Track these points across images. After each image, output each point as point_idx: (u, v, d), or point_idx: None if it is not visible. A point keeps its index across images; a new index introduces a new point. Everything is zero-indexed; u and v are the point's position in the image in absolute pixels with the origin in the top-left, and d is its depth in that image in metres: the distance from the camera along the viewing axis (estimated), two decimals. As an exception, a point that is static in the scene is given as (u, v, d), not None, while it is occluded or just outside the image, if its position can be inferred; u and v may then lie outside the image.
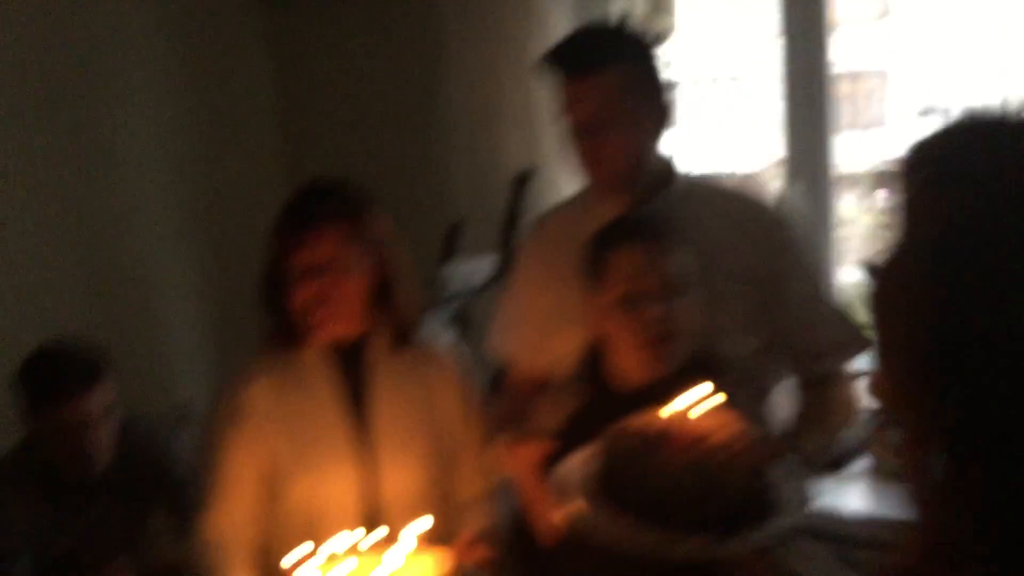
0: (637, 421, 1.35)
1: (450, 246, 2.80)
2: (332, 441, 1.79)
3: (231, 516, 1.79)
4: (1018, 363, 0.75)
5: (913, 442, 0.81)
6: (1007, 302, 0.76)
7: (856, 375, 1.74)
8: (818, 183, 2.61)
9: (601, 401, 1.60)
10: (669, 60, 1.72)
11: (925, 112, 4.03)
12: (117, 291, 2.91)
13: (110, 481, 2.14)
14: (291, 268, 1.76)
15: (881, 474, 2.32)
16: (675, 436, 1.27)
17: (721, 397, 1.36)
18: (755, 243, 1.69)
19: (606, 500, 1.31)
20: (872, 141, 4.26)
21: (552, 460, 1.59)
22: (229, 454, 1.80)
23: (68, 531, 2.10)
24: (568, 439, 1.59)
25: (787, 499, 1.27)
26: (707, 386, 1.38)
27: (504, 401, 1.90)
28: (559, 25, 2.69)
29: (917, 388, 0.79)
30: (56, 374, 2.04)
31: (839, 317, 1.73)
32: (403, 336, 1.84)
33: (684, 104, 1.77)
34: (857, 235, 3.46)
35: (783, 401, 1.79)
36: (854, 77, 4.27)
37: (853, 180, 3.50)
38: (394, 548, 1.57)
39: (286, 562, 1.57)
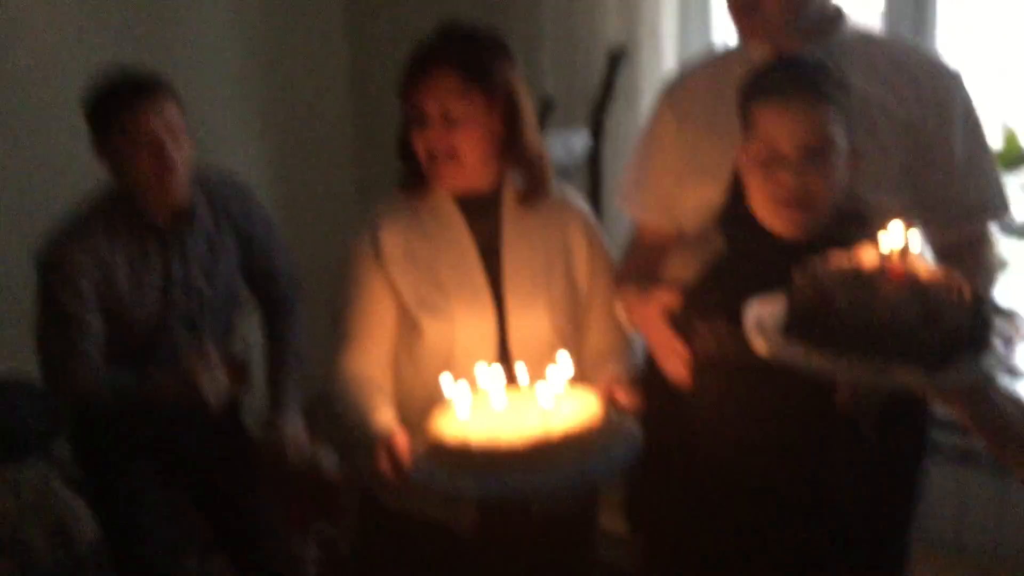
0: (832, 262, 1.34)
1: (539, 122, 2.75)
2: (470, 287, 1.79)
3: (372, 354, 1.80)
4: None
5: None
6: None
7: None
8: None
9: (742, 251, 1.60)
10: None
11: None
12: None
13: (195, 227, 2.13)
14: (412, 113, 1.74)
15: None
16: (892, 270, 1.27)
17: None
18: (920, 98, 1.66)
19: (802, 337, 1.31)
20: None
21: (682, 309, 1.61)
22: (367, 294, 1.80)
23: (158, 271, 2.09)
24: (707, 286, 1.61)
25: (997, 336, 1.28)
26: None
27: (632, 257, 1.90)
28: None
29: None
30: (120, 87, 2.01)
31: (995, 179, 1.72)
32: (534, 188, 1.82)
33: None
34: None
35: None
36: None
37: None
38: (543, 386, 1.58)
39: (445, 387, 1.58)
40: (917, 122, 1.66)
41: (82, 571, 2.00)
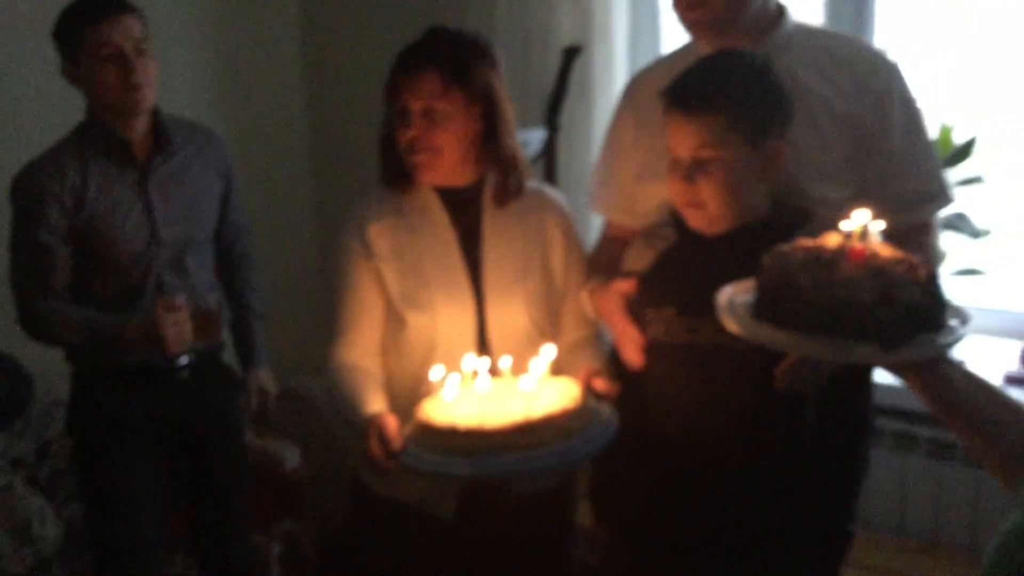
0: (796, 245, 1.40)
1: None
2: (451, 281, 1.85)
3: (362, 344, 1.86)
4: None
5: None
6: None
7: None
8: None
9: (686, 244, 1.69)
10: None
11: None
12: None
13: (174, 161, 2.14)
14: (396, 110, 1.80)
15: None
16: (852, 251, 1.33)
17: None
18: (860, 90, 1.71)
19: (769, 317, 1.37)
20: None
21: (636, 297, 1.69)
22: (356, 287, 1.86)
23: (139, 204, 2.09)
24: (657, 276, 1.70)
25: (951, 314, 1.35)
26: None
27: (599, 251, 1.97)
28: None
29: None
30: (84, 3, 2.02)
31: (935, 168, 1.78)
32: (509, 188, 1.88)
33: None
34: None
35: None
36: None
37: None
38: (525, 374, 1.64)
39: (433, 376, 1.63)
40: (857, 114, 1.70)
41: (48, 570, 1.99)
